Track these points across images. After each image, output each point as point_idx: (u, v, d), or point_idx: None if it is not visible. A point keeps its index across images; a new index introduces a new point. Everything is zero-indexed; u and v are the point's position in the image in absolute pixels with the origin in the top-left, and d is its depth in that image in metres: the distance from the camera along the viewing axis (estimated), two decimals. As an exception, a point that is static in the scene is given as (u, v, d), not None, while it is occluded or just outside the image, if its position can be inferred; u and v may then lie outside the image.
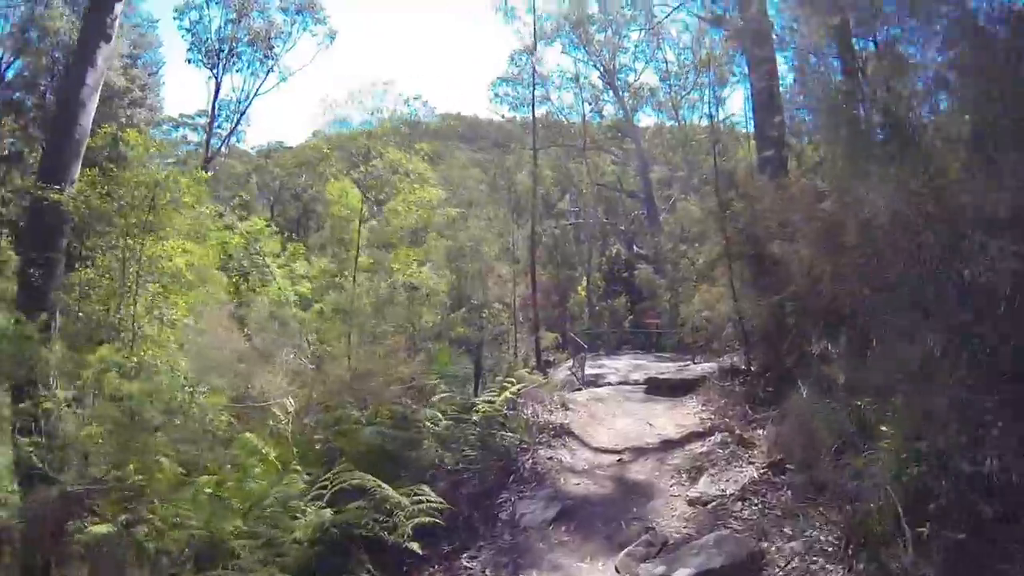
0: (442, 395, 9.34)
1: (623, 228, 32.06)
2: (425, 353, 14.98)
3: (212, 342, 11.12)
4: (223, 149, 32.68)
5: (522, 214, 27.57)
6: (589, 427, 10.00)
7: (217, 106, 31.37)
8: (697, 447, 8.78)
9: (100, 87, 13.22)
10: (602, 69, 31.79)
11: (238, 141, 33.79)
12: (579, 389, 15.94)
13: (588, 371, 17.61)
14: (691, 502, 6.81)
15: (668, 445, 9.18)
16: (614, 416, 10.93)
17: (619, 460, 8.55)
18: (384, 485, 5.52)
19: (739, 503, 6.57)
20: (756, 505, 6.46)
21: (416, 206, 15.12)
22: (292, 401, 9.74)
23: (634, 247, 29.99)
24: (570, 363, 20.10)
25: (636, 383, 14.38)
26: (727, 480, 7.21)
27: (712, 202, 12.59)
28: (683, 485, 7.47)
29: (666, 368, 17.34)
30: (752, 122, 16.13)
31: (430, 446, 7.90)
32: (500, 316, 15.57)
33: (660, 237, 26.51)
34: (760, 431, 8.56)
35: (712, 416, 10.16)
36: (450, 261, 12.08)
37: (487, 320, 14.01)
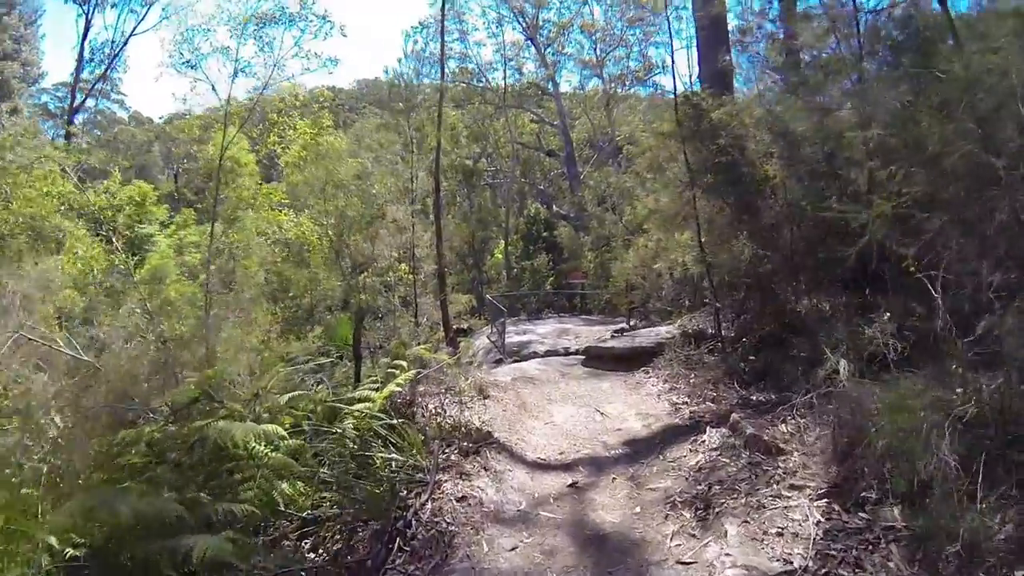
0: (294, 394, 5.51)
1: (542, 188, 28.54)
2: (325, 326, 11.03)
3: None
4: (89, 101, 26.57)
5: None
6: (519, 424, 6.44)
7: (89, 48, 25.32)
8: (685, 453, 5.38)
9: None
10: (524, 24, 27.83)
11: (111, 89, 27.69)
12: (500, 361, 12.42)
13: (510, 339, 14.10)
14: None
15: (638, 449, 5.74)
16: (551, 402, 7.42)
17: (572, 485, 5.02)
18: None
19: (826, 591, 3.18)
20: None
21: (316, 155, 10.90)
22: (56, 419, 5.66)
23: (553, 207, 26.56)
24: (488, 330, 16.54)
25: (570, 353, 10.97)
26: (773, 528, 3.80)
27: (668, 127, 9.12)
28: (694, 536, 4.01)
29: (599, 332, 14.07)
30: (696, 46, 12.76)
31: (253, 490, 4.12)
32: (401, 275, 11.72)
33: (582, 194, 23.20)
34: (781, 426, 5.22)
35: (687, 399, 6.81)
36: (326, 201, 8.10)
37: (392, 283, 10.16)
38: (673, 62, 9.23)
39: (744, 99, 9.22)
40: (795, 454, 4.81)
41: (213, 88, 11.30)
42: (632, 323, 13.70)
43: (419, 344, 7.97)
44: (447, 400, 6.54)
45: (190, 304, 11.58)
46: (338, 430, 5.11)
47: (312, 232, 10.54)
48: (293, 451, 4.96)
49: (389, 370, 5.84)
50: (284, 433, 4.94)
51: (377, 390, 5.64)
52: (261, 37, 10.45)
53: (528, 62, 29.15)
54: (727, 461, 4.96)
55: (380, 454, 4.91)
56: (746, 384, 6.65)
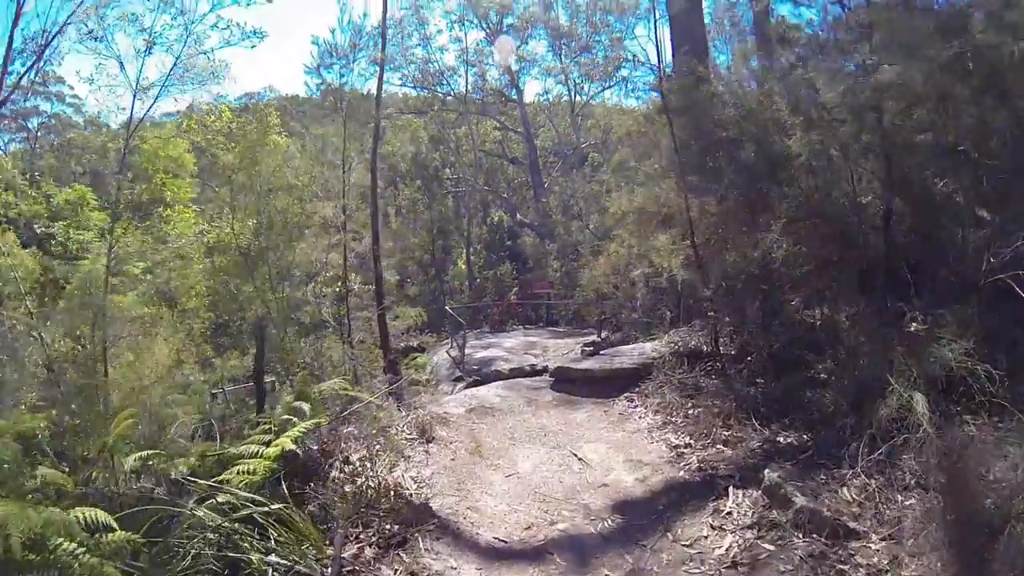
0: (147, 453, 3.69)
1: (506, 196, 26.84)
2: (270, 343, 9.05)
3: None
4: (42, 103, 23.86)
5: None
6: (472, 480, 4.63)
7: (21, 37, 22.53)
8: (704, 530, 3.66)
9: None
10: (488, 30, 26.21)
11: (43, 84, 24.82)
12: (459, 380, 10.62)
13: (473, 354, 12.34)
14: None
15: (635, 519, 3.99)
16: (514, 443, 5.63)
17: (546, 594, 3.23)
18: None
19: None
20: None
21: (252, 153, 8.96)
22: None
23: (517, 215, 24.88)
24: (449, 345, 14.70)
25: (537, 371, 9.20)
26: None
27: (652, 106, 7.52)
28: None
29: (569, 346, 12.37)
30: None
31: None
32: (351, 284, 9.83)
33: (546, 201, 21.61)
34: (843, 491, 3.52)
35: (691, 440, 5.10)
36: (233, 197, 6.23)
37: (323, 294, 8.20)
38: (656, 27, 7.40)
39: (729, 74, 7.68)
40: (874, 538, 3.14)
41: (122, 66, 9.28)
42: (604, 335, 12.06)
43: (349, 368, 6.11)
44: (377, 447, 4.70)
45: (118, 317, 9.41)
46: (200, 514, 3.26)
47: (232, 236, 8.60)
48: (127, 549, 3.15)
49: (287, 416, 3.99)
50: (111, 521, 3.12)
51: (269, 443, 3.82)
52: (173, 3, 8.64)
53: (491, 68, 27.60)
54: (772, 548, 3.26)
55: (256, 554, 3.06)
56: (765, 419, 4.98)
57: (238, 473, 3.58)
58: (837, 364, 5.37)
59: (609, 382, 7.08)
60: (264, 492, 3.66)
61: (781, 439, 4.63)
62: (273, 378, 8.94)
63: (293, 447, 3.59)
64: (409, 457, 4.78)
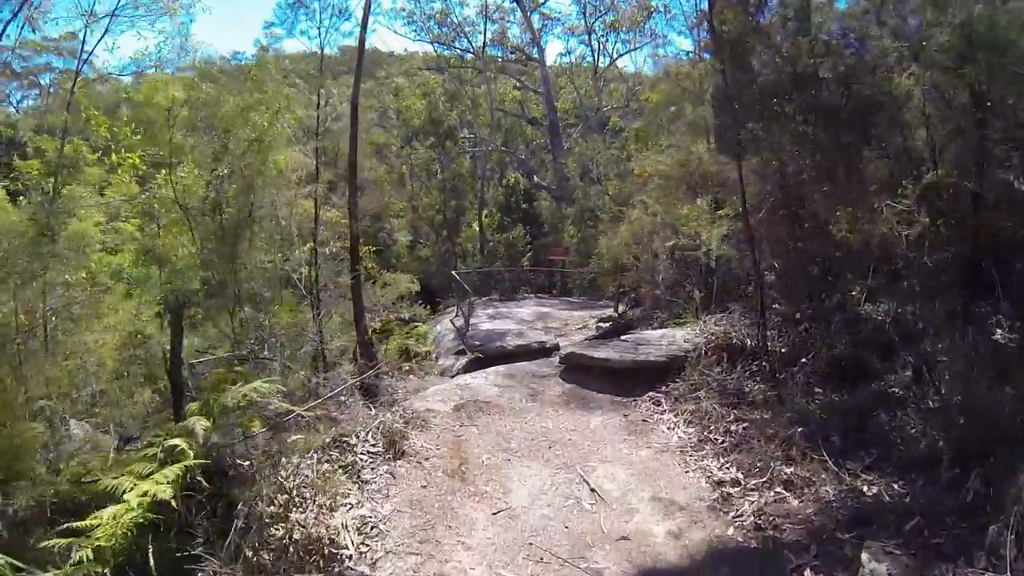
0: None
1: (523, 158, 25.17)
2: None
3: None
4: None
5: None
6: (445, 521, 3.37)
7: None
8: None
9: None
10: (510, -15, 24.13)
11: (34, 33, 23.26)
12: (462, 353, 9.38)
13: (480, 325, 11.10)
14: None
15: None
16: (509, 456, 4.35)
17: None
18: None
19: None
20: None
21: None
22: None
23: (535, 178, 23.28)
24: (454, 313, 13.43)
25: (546, 351, 7.93)
26: None
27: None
28: None
29: (583, 319, 11.04)
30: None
31: None
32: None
33: (565, 162, 20.01)
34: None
35: (739, 474, 3.77)
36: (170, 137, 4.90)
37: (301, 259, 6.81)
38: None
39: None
40: None
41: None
42: (621, 310, 10.75)
43: (311, 351, 4.85)
44: (325, 466, 3.45)
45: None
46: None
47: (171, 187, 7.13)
48: None
49: (175, 441, 2.72)
50: None
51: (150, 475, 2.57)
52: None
53: (512, 26, 25.64)
54: None
55: None
56: (838, 453, 3.64)
57: (98, 526, 2.36)
58: (917, 379, 4.03)
59: (631, 376, 5.74)
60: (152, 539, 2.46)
61: (865, 487, 3.30)
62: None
63: (165, 495, 2.33)
64: (366, 482, 3.53)
